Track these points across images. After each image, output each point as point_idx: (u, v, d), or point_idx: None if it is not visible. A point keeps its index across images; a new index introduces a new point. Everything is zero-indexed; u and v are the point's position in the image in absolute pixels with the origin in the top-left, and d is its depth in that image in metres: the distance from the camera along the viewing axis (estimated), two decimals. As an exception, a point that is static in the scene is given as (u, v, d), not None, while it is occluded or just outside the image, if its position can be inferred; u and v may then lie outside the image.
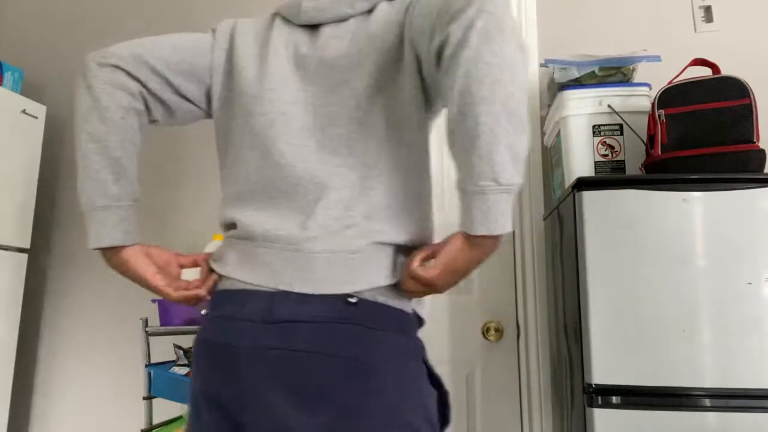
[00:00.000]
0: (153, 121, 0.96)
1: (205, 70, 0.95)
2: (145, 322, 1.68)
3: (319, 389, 0.75)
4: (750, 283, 1.24)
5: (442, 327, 1.92)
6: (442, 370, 1.89)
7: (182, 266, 0.94)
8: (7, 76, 2.12)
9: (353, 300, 0.78)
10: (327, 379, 0.75)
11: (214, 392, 0.81)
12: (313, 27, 0.94)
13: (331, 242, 0.80)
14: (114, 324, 2.14)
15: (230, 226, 0.91)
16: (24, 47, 2.46)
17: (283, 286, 0.80)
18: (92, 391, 2.12)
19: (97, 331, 2.15)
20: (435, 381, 0.85)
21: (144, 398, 1.63)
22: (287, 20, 0.97)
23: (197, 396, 0.84)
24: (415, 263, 0.79)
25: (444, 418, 0.84)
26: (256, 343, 0.78)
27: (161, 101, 0.93)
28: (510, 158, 0.70)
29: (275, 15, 1.00)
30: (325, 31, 0.92)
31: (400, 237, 0.82)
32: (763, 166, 1.32)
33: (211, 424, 0.81)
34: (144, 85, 0.90)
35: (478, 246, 0.75)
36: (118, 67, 0.88)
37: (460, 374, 1.89)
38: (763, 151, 1.32)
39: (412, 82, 0.84)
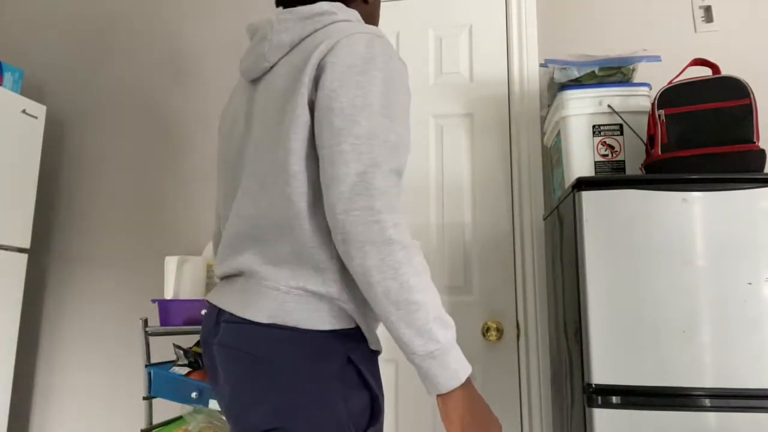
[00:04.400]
0: None
1: None
2: (145, 322, 1.68)
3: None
4: (750, 283, 1.24)
5: (442, 327, 1.92)
6: (442, 370, 1.89)
7: None
8: (7, 76, 2.12)
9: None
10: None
11: None
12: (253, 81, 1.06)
13: None
14: (114, 324, 2.14)
15: None
16: (24, 47, 2.46)
17: None
18: (92, 391, 2.12)
19: (97, 331, 2.15)
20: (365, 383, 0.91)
21: (144, 398, 1.63)
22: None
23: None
24: None
25: (372, 419, 0.91)
26: None
27: None
28: (415, 333, 0.80)
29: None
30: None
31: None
32: (763, 166, 1.32)
33: None
34: None
35: (448, 401, 0.82)
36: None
37: (460, 374, 1.89)
38: (763, 151, 1.32)
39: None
